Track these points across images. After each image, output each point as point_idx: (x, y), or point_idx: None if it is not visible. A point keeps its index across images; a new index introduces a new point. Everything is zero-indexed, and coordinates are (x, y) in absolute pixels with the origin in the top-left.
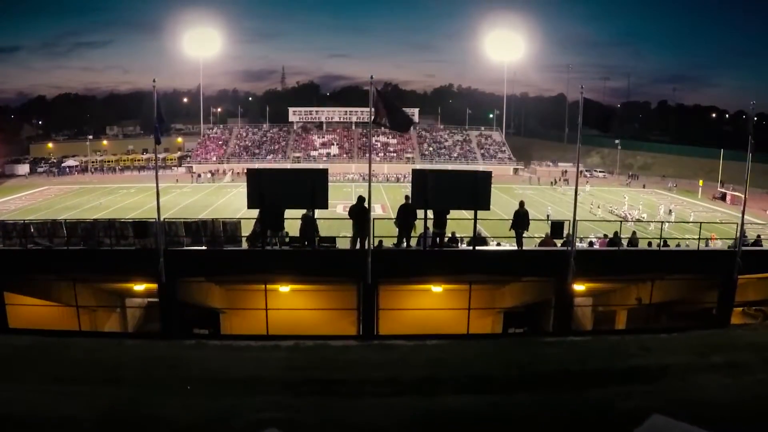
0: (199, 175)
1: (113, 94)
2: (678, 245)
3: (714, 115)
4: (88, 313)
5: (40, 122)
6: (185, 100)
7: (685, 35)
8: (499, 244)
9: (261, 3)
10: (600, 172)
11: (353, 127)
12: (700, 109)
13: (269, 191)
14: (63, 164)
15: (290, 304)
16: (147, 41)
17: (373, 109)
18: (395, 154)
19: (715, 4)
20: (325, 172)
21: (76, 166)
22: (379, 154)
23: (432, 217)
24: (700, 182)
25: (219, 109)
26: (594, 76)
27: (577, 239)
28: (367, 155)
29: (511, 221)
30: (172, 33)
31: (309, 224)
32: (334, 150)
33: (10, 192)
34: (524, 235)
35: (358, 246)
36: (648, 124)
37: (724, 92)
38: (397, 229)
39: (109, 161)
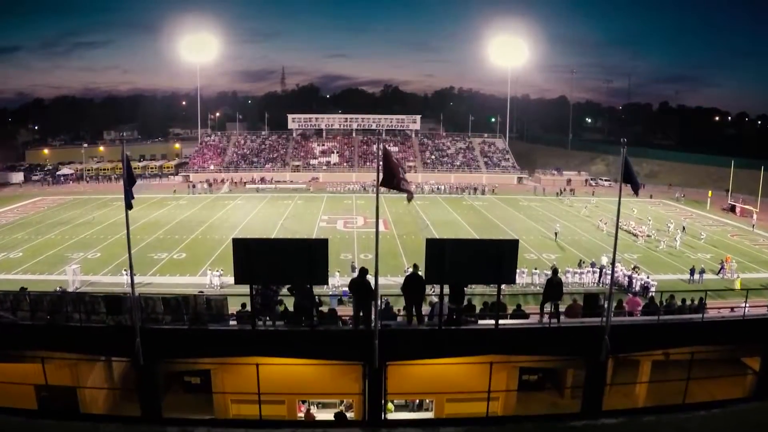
0: (194, 185)
1: (112, 95)
2: (701, 272)
3: (717, 118)
4: (62, 379)
5: (36, 127)
6: (183, 103)
7: (684, 35)
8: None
9: (260, 3)
10: (605, 180)
11: (353, 134)
12: (702, 111)
13: (260, 264)
14: (58, 172)
15: (286, 380)
16: (146, 41)
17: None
18: (397, 163)
19: (714, 4)
20: (325, 242)
21: (71, 174)
22: (380, 163)
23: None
24: (710, 193)
25: (218, 114)
26: (593, 77)
27: (588, 266)
28: (368, 164)
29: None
30: (171, 35)
31: (305, 297)
32: (334, 158)
33: (3, 203)
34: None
35: (362, 323)
36: (650, 127)
37: (724, 92)
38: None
39: (104, 169)
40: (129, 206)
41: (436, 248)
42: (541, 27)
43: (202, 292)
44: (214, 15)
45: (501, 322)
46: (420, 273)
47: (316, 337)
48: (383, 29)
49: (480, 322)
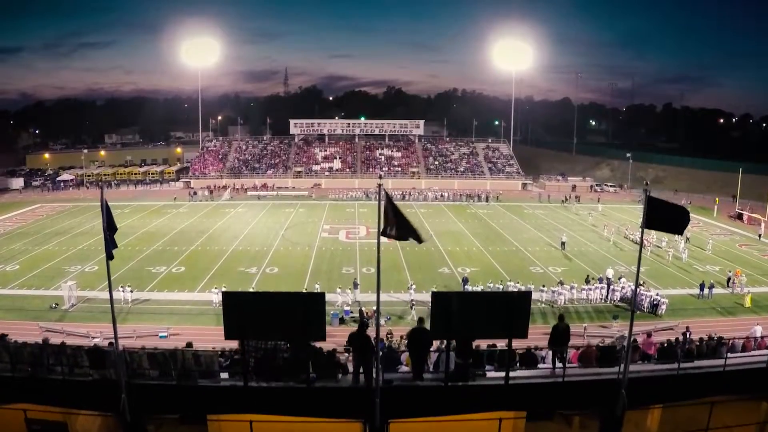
0: (195, 192)
1: (114, 97)
2: (710, 287)
3: (721, 120)
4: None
5: (37, 131)
6: (186, 105)
7: (687, 35)
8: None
9: (263, 3)
10: (611, 186)
11: (356, 139)
12: (706, 112)
13: (252, 320)
14: (58, 178)
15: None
16: (149, 42)
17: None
18: (400, 169)
19: (716, 4)
20: (321, 296)
21: (72, 180)
22: (383, 169)
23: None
24: (716, 200)
25: (219, 118)
26: (597, 77)
27: (596, 281)
28: (371, 170)
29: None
30: (174, 36)
31: (301, 350)
32: (337, 164)
33: (2, 210)
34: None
35: (362, 379)
36: (654, 129)
37: (726, 93)
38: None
39: (105, 175)
40: (110, 257)
41: (442, 302)
42: (544, 27)
43: (190, 344)
44: (216, 16)
45: (511, 375)
46: (425, 325)
47: (312, 395)
48: (386, 30)
49: (488, 374)
